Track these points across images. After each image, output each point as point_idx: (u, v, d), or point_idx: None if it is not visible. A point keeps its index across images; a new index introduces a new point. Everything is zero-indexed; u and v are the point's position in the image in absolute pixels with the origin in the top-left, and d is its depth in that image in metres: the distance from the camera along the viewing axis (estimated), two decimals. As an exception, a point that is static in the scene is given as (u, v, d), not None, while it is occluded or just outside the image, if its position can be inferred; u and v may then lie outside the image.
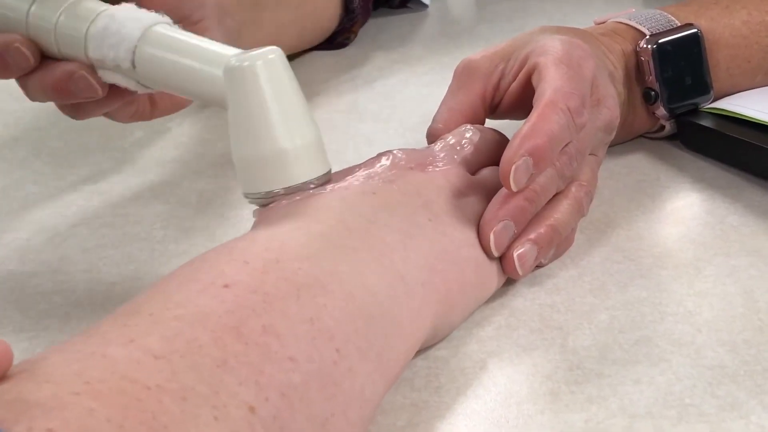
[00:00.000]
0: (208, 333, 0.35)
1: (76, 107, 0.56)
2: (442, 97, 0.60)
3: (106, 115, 0.58)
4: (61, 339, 0.46)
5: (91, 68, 0.52)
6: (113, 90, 0.54)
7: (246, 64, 0.45)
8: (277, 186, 0.46)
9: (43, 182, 0.69)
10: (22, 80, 0.55)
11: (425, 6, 1.03)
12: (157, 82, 0.51)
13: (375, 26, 0.98)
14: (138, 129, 0.76)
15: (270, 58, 0.46)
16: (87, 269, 0.57)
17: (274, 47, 0.47)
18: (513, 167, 0.48)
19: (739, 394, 0.42)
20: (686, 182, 0.62)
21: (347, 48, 0.93)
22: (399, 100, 0.79)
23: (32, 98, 0.56)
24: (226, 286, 0.37)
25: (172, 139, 0.74)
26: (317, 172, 0.47)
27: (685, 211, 0.59)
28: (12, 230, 0.62)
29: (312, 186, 0.47)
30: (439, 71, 0.85)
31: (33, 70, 0.54)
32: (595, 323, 0.48)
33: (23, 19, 0.54)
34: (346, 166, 0.51)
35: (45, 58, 0.54)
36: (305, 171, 0.47)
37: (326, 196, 0.46)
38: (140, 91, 0.53)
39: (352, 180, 0.48)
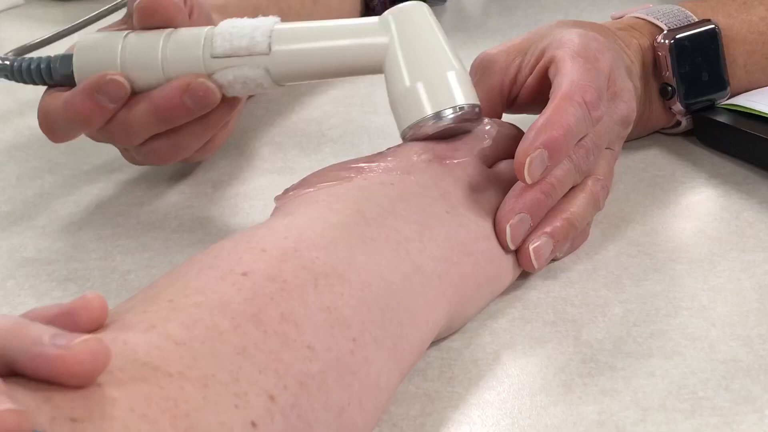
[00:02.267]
0: (228, 320, 0.35)
1: (173, 138, 0.57)
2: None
3: (189, 157, 0.60)
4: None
5: (207, 76, 0.53)
6: (215, 110, 0.55)
7: (409, 5, 0.52)
8: (426, 113, 0.50)
9: (59, 171, 0.69)
10: (118, 120, 0.55)
11: (443, 2, 1.03)
12: (294, 67, 0.53)
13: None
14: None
15: (411, 6, 0.52)
16: (102, 257, 0.57)
17: (416, 2, 0.53)
18: (528, 159, 0.48)
19: (753, 388, 0.42)
20: (702, 178, 0.62)
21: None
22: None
23: (130, 137, 0.56)
24: (244, 273, 0.38)
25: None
26: (460, 101, 0.51)
27: (700, 206, 0.59)
28: (27, 218, 0.63)
29: (457, 113, 0.50)
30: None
31: (130, 104, 0.54)
32: (609, 316, 0.48)
33: (116, 55, 0.55)
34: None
35: (135, 94, 0.55)
36: (449, 99, 0.50)
37: (344, 185, 0.46)
38: (264, 87, 0.54)
39: (369, 170, 0.48)
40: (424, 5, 0.53)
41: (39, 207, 0.64)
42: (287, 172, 0.66)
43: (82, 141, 0.73)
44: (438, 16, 0.97)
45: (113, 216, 0.62)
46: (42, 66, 0.58)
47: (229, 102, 0.56)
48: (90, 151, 0.72)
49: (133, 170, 0.68)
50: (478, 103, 0.51)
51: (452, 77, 0.50)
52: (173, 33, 0.55)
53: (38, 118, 0.58)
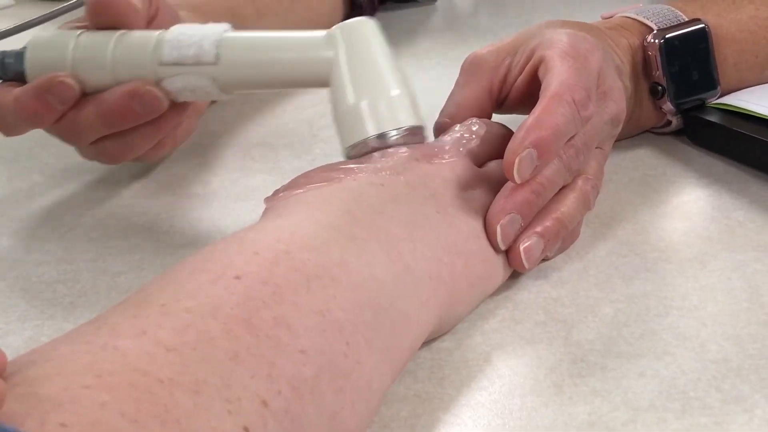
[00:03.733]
0: (220, 325, 0.35)
1: (122, 140, 0.57)
2: (449, 91, 0.60)
3: (138, 158, 0.60)
4: (66, 328, 0.46)
5: (154, 83, 0.53)
6: (166, 113, 0.55)
7: (357, 21, 0.52)
8: (369, 134, 0.50)
9: (49, 173, 0.69)
10: (66, 122, 0.55)
11: (433, 1, 1.03)
12: (242, 73, 0.53)
13: (382, 21, 0.97)
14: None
15: (362, 21, 0.52)
16: (92, 259, 0.57)
17: (365, 18, 0.52)
18: (517, 159, 0.48)
19: (743, 387, 0.42)
20: (692, 177, 0.62)
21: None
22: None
23: (79, 137, 0.57)
24: (236, 277, 0.37)
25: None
26: (405, 123, 0.50)
27: (690, 205, 0.59)
28: (18, 220, 0.63)
29: (400, 135, 0.50)
30: (445, 65, 0.85)
31: (79, 105, 0.54)
32: (599, 317, 0.48)
33: (66, 56, 0.56)
34: (352, 158, 0.51)
35: (85, 95, 0.55)
36: (394, 120, 0.50)
37: (334, 186, 0.46)
38: (212, 95, 0.54)
39: (359, 171, 0.48)
40: (372, 21, 0.52)
41: (29, 208, 0.64)
42: (278, 173, 0.66)
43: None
44: (429, 16, 0.97)
45: (103, 217, 0.62)
46: None
47: (180, 106, 0.56)
48: (80, 153, 0.71)
49: (124, 172, 0.68)
50: (422, 124, 0.51)
51: (397, 97, 0.50)
52: (125, 35, 0.55)
53: None
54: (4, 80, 0.59)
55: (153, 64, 0.53)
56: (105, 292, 0.53)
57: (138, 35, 0.55)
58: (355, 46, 0.51)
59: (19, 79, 0.58)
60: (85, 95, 0.56)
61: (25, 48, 0.58)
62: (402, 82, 0.51)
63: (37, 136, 0.74)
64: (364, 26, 0.52)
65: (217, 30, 0.53)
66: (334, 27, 0.52)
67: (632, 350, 0.45)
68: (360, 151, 0.50)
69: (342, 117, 0.51)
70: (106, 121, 0.54)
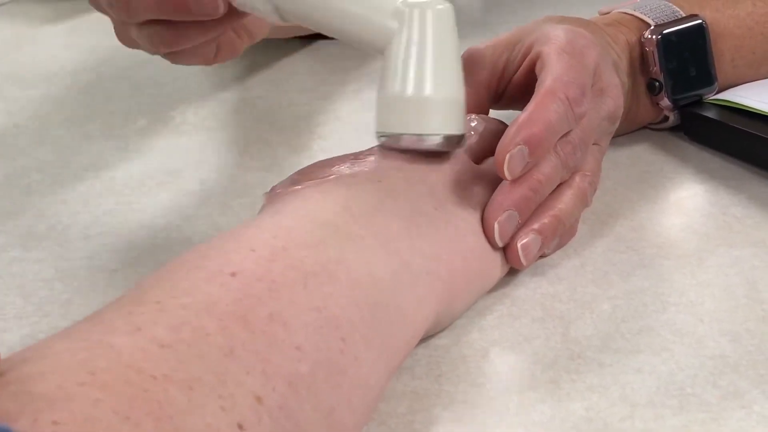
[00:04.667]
0: (215, 322, 0.35)
1: (171, 30, 0.52)
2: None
3: (174, 55, 0.55)
4: (63, 325, 0.46)
5: None
6: (219, 19, 0.51)
7: (417, 8, 0.47)
8: (412, 130, 0.48)
9: (46, 169, 0.69)
10: None
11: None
12: (306, 15, 0.50)
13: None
14: (141, 117, 0.76)
15: (439, 8, 0.48)
16: (89, 256, 0.57)
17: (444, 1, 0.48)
18: (508, 155, 0.48)
19: (741, 383, 0.42)
20: (690, 173, 0.62)
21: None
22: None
23: (132, 14, 0.52)
24: (232, 274, 0.37)
25: (174, 128, 0.74)
26: (451, 130, 0.48)
27: (688, 201, 0.59)
28: (14, 217, 0.62)
29: (442, 142, 0.48)
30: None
31: None
32: (597, 313, 0.48)
33: None
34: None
35: None
36: (440, 125, 0.48)
37: (331, 182, 0.46)
38: (270, 19, 0.51)
39: (356, 167, 0.48)
40: (451, 7, 0.49)
41: (26, 205, 0.64)
42: (276, 170, 0.66)
43: (69, 140, 0.73)
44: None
45: (100, 215, 0.62)
46: None
47: (239, 15, 0.52)
48: (77, 150, 0.71)
49: (121, 169, 0.68)
50: (465, 133, 0.50)
51: (457, 102, 0.48)
52: None
53: None
54: None
55: None
56: (102, 289, 0.53)
57: None
58: (427, 30, 0.48)
59: None
60: None
61: None
62: (461, 83, 0.49)
63: (34, 133, 0.75)
64: (443, 10, 0.48)
65: None
66: (408, 1, 0.48)
67: (630, 346, 0.45)
68: (393, 143, 0.49)
69: (392, 101, 0.48)
70: (159, 5, 0.52)
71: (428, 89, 0.47)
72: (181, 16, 0.51)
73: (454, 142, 0.49)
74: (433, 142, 0.48)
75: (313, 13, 0.50)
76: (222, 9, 0.50)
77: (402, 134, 0.48)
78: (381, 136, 0.49)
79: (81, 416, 0.29)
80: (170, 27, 0.52)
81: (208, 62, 0.57)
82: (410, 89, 0.47)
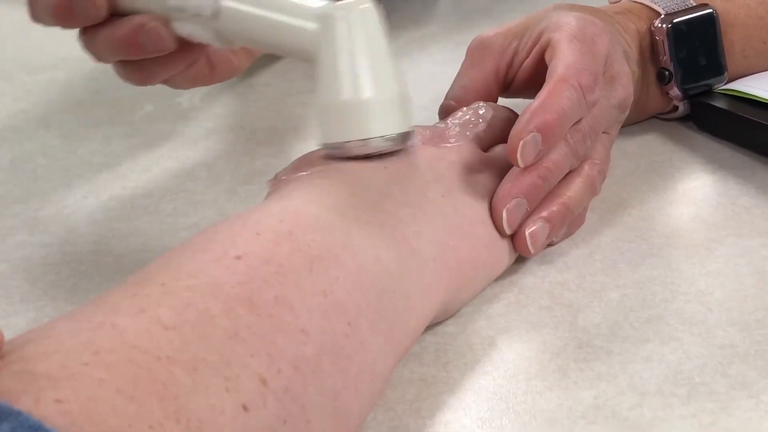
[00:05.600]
0: (220, 304, 0.34)
1: (141, 68, 0.54)
2: (455, 75, 0.59)
3: (167, 81, 0.57)
4: (69, 309, 0.46)
5: (164, 21, 0.51)
6: (181, 49, 0.52)
7: (340, 12, 0.45)
8: (355, 137, 0.46)
9: (53, 155, 0.69)
10: (90, 36, 0.53)
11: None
12: (238, 35, 0.50)
13: (387, 4, 0.97)
14: (148, 103, 0.76)
15: (363, 8, 0.46)
16: (95, 241, 0.57)
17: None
18: (521, 143, 0.48)
19: (749, 373, 0.42)
20: (699, 163, 0.61)
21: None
22: (411, 78, 0.79)
23: (99, 57, 0.54)
24: (238, 257, 0.37)
25: (182, 114, 0.74)
26: (397, 129, 0.46)
27: (697, 191, 0.59)
28: (21, 202, 0.62)
29: (390, 143, 0.46)
30: (451, 50, 0.84)
31: (100, 25, 0.53)
32: (605, 301, 0.48)
33: None
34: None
35: (113, 15, 0.53)
36: (384, 126, 0.46)
37: (339, 168, 0.46)
38: (216, 45, 0.51)
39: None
40: (375, 4, 0.47)
41: (32, 190, 0.64)
42: (282, 156, 0.66)
43: (76, 125, 0.73)
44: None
45: (107, 200, 0.62)
46: None
47: (195, 45, 0.53)
48: (84, 135, 0.71)
49: (127, 154, 0.68)
50: (411, 129, 0.48)
51: (396, 100, 0.46)
52: None
53: None
54: None
55: (162, 2, 0.52)
56: (108, 274, 0.53)
57: None
58: (354, 32, 0.46)
59: None
60: (115, 15, 0.54)
61: None
62: (398, 80, 0.47)
63: (41, 118, 0.75)
64: (367, 10, 0.47)
65: None
66: (323, 6, 0.47)
67: (638, 335, 0.45)
68: (338, 153, 0.47)
69: (326, 110, 0.47)
70: (116, 49, 0.53)
71: (365, 92, 0.45)
72: (138, 54, 0.52)
73: (400, 140, 0.47)
74: (379, 144, 0.46)
75: (247, 32, 0.50)
76: (170, 43, 0.51)
77: (347, 141, 0.46)
78: (326, 147, 0.47)
79: (84, 395, 0.29)
80: (136, 66, 0.54)
81: (205, 83, 0.58)
82: (346, 95, 0.45)
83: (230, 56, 0.57)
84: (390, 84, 0.46)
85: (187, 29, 0.51)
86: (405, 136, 0.47)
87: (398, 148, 0.47)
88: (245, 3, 0.49)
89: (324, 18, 0.46)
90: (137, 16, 0.51)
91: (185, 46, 0.52)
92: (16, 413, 0.26)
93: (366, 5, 0.46)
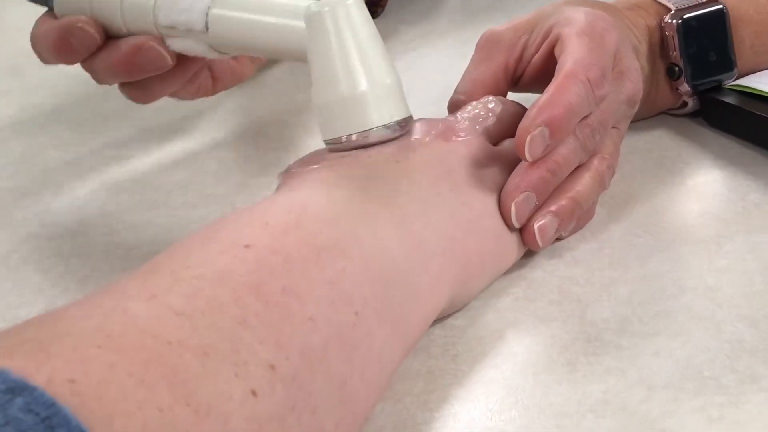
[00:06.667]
0: (229, 292, 0.35)
1: (143, 87, 0.56)
2: (464, 70, 0.59)
3: (170, 96, 0.58)
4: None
5: (159, 40, 0.52)
6: (180, 64, 0.54)
7: (326, 8, 0.46)
8: (356, 129, 0.47)
9: (64, 147, 0.69)
10: (89, 63, 0.55)
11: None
12: (231, 44, 0.51)
13: (397, 1, 0.97)
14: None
15: (348, 3, 0.47)
16: (106, 233, 0.57)
17: None
18: (529, 137, 0.48)
19: (758, 368, 0.42)
20: (708, 159, 0.61)
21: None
22: (421, 73, 0.79)
23: (100, 81, 0.56)
24: (246, 246, 0.37)
25: (192, 107, 0.74)
26: (395, 116, 0.47)
27: (706, 187, 0.59)
28: (32, 194, 0.63)
29: (390, 131, 0.47)
30: (461, 44, 0.84)
31: (98, 51, 0.54)
32: (614, 296, 0.48)
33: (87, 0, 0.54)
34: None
35: (110, 38, 0.54)
36: (383, 115, 0.47)
37: (348, 162, 0.46)
38: (211, 56, 0.52)
39: (373, 149, 0.48)
40: (353, 2, 0.47)
41: (43, 183, 0.64)
42: (292, 150, 0.66)
43: (87, 117, 0.73)
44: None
45: (117, 192, 0.62)
46: None
47: (192, 59, 0.55)
48: (95, 128, 0.72)
49: (138, 147, 0.68)
50: (409, 114, 0.49)
51: (392, 88, 0.47)
52: None
53: (30, 37, 0.57)
54: (49, 8, 0.57)
55: (153, 23, 0.52)
56: (119, 266, 0.54)
57: None
58: (342, 27, 0.47)
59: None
60: (110, 38, 0.55)
61: None
62: (390, 68, 0.48)
63: (52, 111, 0.75)
64: (353, 4, 0.47)
65: None
66: (310, 4, 0.47)
67: (647, 329, 0.45)
68: (342, 147, 0.48)
69: (325, 107, 0.47)
70: (116, 72, 0.54)
71: (360, 85, 0.46)
72: (138, 75, 0.54)
73: (399, 127, 0.48)
74: (380, 133, 0.47)
75: (239, 40, 0.50)
76: (170, 60, 0.53)
77: (349, 135, 0.47)
78: (329, 143, 0.48)
79: (96, 377, 0.29)
80: (135, 86, 0.56)
81: (208, 94, 0.60)
82: (342, 90, 0.46)
83: (233, 65, 0.59)
84: (383, 74, 0.47)
85: (181, 45, 0.52)
86: (404, 122, 0.48)
87: (399, 134, 0.48)
88: (233, 10, 0.50)
89: (311, 16, 0.47)
90: (133, 37, 0.53)
91: (183, 61, 0.54)
92: (31, 389, 0.27)
93: (351, 0, 0.47)
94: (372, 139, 0.47)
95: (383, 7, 0.93)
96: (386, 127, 0.47)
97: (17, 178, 0.65)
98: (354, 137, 0.47)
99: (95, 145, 0.69)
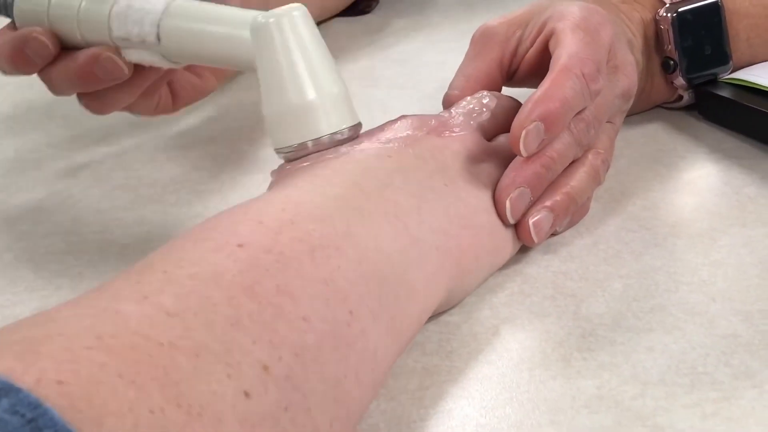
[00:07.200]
0: (222, 292, 0.35)
1: (100, 98, 0.56)
2: (459, 64, 0.59)
3: (129, 108, 0.58)
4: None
5: (116, 50, 0.53)
6: (136, 74, 0.54)
7: (271, 20, 0.47)
8: (306, 138, 0.47)
9: (57, 144, 0.69)
10: (46, 73, 0.55)
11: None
12: (183, 54, 0.52)
13: (392, -6, 0.97)
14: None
15: (294, 15, 0.47)
16: (100, 230, 0.57)
17: (298, 4, 0.48)
18: (524, 132, 0.48)
19: (752, 363, 0.42)
20: (703, 152, 0.61)
21: (366, 15, 0.92)
22: (415, 67, 0.79)
23: (57, 91, 0.56)
24: (240, 245, 0.37)
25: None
26: (345, 123, 0.48)
27: (701, 181, 0.58)
28: (25, 191, 0.63)
29: (340, 137, 0.47)
30: (456, 39, 0.84)
31: (55, 61, 0.54)
32: (608, 291, 0.48)
33: (44, 11, 0.55)
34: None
35: (66, 49, 0.54)
36: (332, 122, 0.47)
37: (341, 159, 0.46)
38: (166, 66, 0.53)
39: (367, 143, 0.48)
40: (305, 9, 0.48)
41: (37, 180, 0.64)
42: (286, 146, 0.66)
43: (81, 115, 0.72)
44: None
45: (111, 189, 0.62)
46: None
47: (150, 70, 0.55)
48: (89, 125, 0.71)
49: (132, 144, 0.68)
50: (342, 126, 0.48)
51: (339, 95, 0.48)
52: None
53: None
54: (11, 19, 0.58)
55: (108, 34, 0.53)
56: (113, 263, 0.53)
57: (93, 3, 0.54)
58: (288, 38, 0.47)
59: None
60: (67, 49, 0.55)
61: None
62: (338, 77, 0.48)
63: (45, 107, 0.75)
64: (299, 15, 0.47)
65: (158, 6, 0.51)
66: (257, 15, 0.48)
67: (641, 325, 0.45)
68: (293, 155, 0.48)
69: (275, 116, 0.48)
70: (73, 82, 0.54)
71: (309, 94, 0.47)
72: (96, 85, 0.55)
73: (349, 134, 0.48)
74: (330, 140, 0.47)
75: (190, 50, 0.51)
76: (127, 71, 0.53)
77: (300, 143, 0.47)
78: (280, 152, 0.48)
79: (86, 378, 0.29)
80: (92, 97, 0.56)
81: (168, 111, 0.61)
82: (292, 98, 0.47)
83: (194, 81, 0.60)
84: (330, 83, 0.47)
85: (136, 56, 0.53)
86: (353, 129, 0.48)
87: (349, 140, 0.48)
88: (183, 21, 0.50)
89: (257, 28, 0.47)
90: (90, 48, 0.53)
91: (139, 72, 0.55)
92: (16, 390, 0.26)
93: (297, 12, 0.47)
94: (322, 146, 0.47)
95: (377, 0, 0.93)
96: (336, 133, 0.47)
97: (10, 176, 0.65)
98: (305, 145, 0.47)
99: (88, 141, 0.69)
